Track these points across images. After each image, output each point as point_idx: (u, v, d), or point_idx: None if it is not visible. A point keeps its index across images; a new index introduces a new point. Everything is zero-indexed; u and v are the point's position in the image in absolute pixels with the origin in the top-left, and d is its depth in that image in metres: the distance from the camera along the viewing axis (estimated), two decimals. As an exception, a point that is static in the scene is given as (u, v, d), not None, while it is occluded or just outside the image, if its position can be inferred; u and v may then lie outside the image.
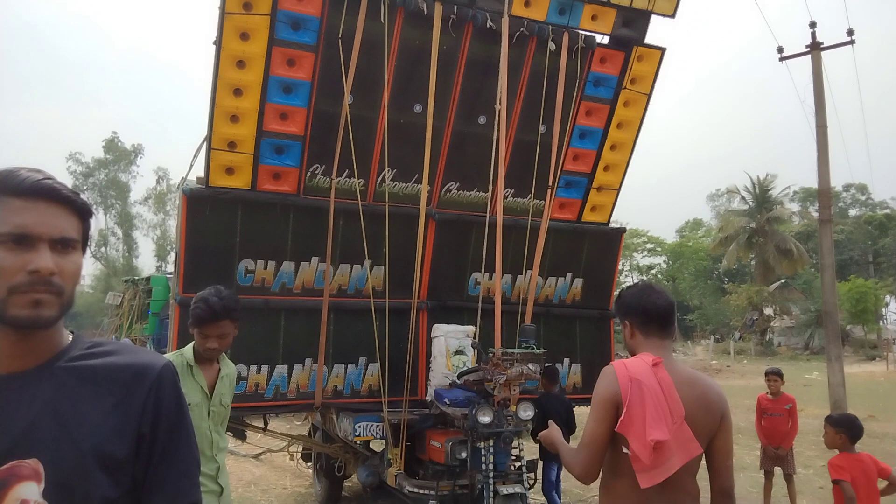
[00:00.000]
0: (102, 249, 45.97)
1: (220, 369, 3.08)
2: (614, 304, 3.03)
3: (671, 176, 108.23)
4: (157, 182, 45.88)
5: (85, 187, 43.75)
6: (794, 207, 45.23)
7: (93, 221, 1.33)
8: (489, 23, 5.82)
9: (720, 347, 37.58)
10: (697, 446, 2.22)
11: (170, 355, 2.78)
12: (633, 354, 2.43)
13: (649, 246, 52.57)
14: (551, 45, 6.07)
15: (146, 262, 45.32)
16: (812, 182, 12.93)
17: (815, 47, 12.65)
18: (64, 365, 1.19)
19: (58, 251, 1.15)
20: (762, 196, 40.52)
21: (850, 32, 12.68)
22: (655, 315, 2.39)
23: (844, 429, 4.11)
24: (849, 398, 12.49)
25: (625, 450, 2.19)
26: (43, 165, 1.21)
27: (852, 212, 55.26)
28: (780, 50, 13.22)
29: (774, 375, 6.48)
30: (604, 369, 2.35)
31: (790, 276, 40.58)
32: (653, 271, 54.46)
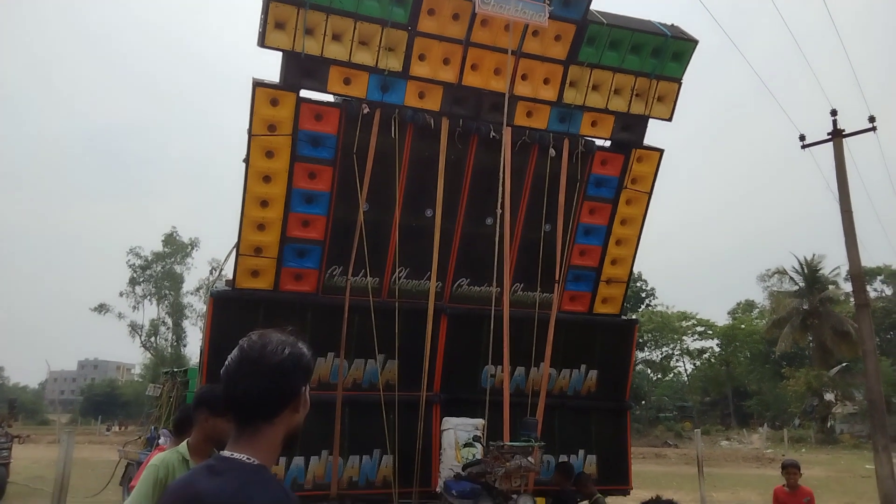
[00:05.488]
0: (153, 339, 47.41)
1: None
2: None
3: (721, 258, 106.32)
4: (211, 273, 47.68)
5: (142, 279, 45.74)
6: (848, 287, 43.73)
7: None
8: (493, 133, 6.32)
9: (777, 435, 35.76)
10: None
11: (166, 453, 2.94)
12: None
13: (700, 329, 51.16)
14: (552, 152, 6.51)
15: (193, 351, 46.37)
16: (864, 261, 12.74)
17: (837, 135, 12.81)
18: None
19: None
20: (811, 277, 39.52)
21: (872, 119, 12.84)
22: None
23: None
24: (905, 492, 11.79)
25: None
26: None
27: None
28: (802, 138, 13.41)
29: (793, 468, 6.34)
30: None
31: (851, 360, 38.80)
32: (705, 355, 52.77)
